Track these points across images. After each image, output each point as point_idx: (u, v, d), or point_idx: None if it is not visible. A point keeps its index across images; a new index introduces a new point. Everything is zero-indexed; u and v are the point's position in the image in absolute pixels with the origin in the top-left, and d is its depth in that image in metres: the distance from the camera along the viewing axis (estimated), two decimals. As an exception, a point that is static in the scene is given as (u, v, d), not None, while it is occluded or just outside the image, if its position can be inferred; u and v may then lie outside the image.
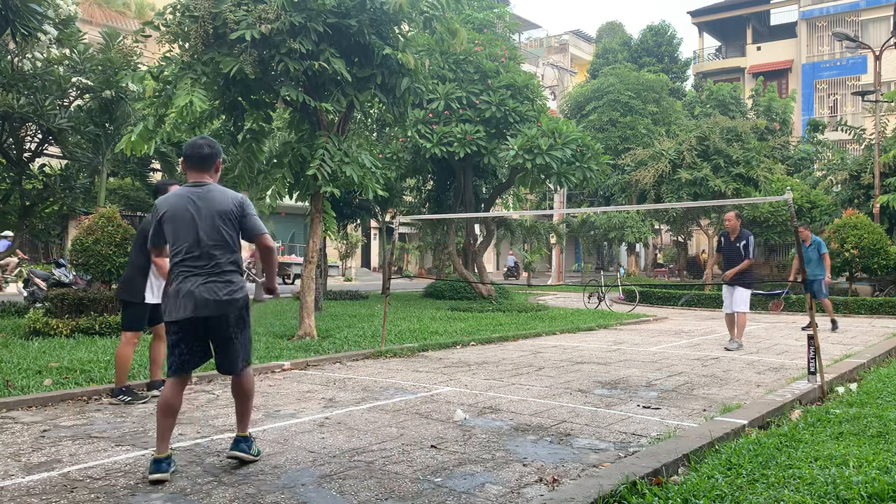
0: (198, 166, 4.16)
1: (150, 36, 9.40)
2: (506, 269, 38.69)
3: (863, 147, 22.40)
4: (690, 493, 3.54)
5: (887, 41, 21.04)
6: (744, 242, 9.62)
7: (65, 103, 12.75)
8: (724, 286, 9.93)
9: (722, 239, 9.96)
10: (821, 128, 27.78)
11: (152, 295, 5.98)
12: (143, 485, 3.81)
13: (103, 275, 10.10)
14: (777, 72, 40.24)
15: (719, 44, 45.61)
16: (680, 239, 32.93)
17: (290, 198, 11.39)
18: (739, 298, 9.67)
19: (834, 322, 12.20)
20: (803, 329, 10.82)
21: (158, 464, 3.84)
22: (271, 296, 5.62)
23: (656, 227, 33.66)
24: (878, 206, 19.03)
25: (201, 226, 4.02)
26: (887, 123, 21.88)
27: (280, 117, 13.23)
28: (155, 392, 6.07)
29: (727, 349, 9.63)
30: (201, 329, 4.05)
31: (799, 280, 7.13)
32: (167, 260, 5.36)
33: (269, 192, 12.17)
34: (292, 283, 25.30)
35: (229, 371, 4.17)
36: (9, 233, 16.59)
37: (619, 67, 35.36)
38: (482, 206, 19.84)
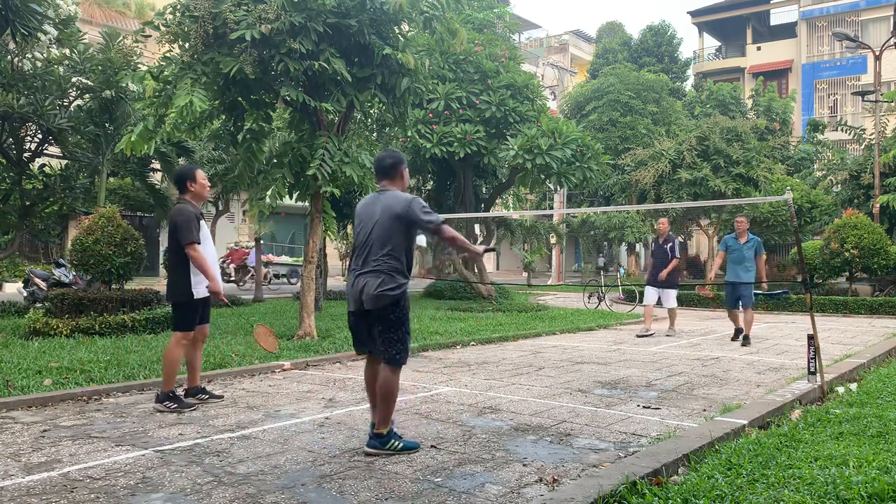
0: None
1: (150, 36, 9.40)
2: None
3: (863, 147, 22.39)
4: (690, 493, 3.54)
5: (887, 41, 21.03)
6: (670, 245, 11.24)
7: (65, 103, 12.75)
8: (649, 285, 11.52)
9: (652, 242, 11.23)
10: (821, 128, 27.75)
11: (202, 288, 5.72)
12: (143, 485, 3.81)
13: (103, 275, 10.10)
14: (777, 72, 40.22)
15: (719, 44, 45.59)
16: (680, 239, 32.93)
17: (290, 198, 11.39)
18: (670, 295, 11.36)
19: (739, 331, 10.61)
20: (733, 340, 10.53)
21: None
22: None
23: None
24: (878, 206, 19.03)
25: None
26: (887, 123, 21.87)
27: (280, 117, 13.22)
28: (192, 400, 5.77)
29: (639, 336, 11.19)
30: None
31: (798, 280, 7.17)
32: (200, 252, 5.56)
33: (269, 192, 12.17)
34: (269, 284, 25.02)
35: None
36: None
37: (619, 67, 35.33)
38: (482, 206, 19.83)
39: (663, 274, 11.11)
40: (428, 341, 9.72)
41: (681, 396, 6.36)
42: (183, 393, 5.89)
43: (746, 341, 10.19)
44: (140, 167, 16.41)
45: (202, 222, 5.78)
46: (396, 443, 4.41)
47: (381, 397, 4.41)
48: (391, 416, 4.44)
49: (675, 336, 11.32)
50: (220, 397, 6.03)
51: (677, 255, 11.21)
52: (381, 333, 4.43)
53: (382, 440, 4.39)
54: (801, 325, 13.12)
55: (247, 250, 25.19)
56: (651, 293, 11.56)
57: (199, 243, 5.61)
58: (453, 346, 9.84)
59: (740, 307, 10.46)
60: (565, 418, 5.43)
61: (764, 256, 10.51)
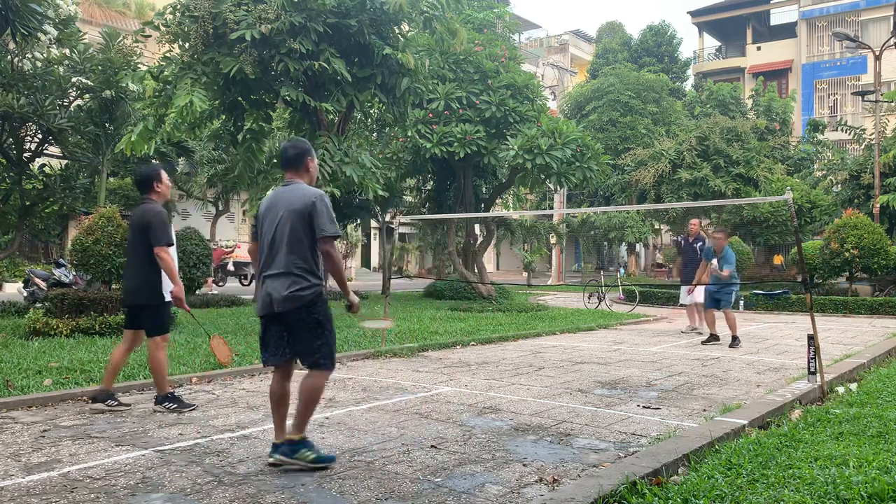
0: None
1: (150, 36, 9.41)
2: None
3: (863, 147, 22.39)
4: (690, 493, 3.54)
5: (887, 41, 21.04)
6: (700, 244, 11.52)
7: (65, 103, 12.76)
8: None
9: (682, 240, 12.04)
10: (821, 128, 27.75)
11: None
12: (143, 485, 3.81)
13: (103, 275, 10.09)
14: (777, 72, 40.22)
15: (719, 44, 45.59)
16: (680, 239, 32.89)
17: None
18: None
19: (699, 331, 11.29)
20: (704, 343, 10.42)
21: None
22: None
23: (656, 227, 33.66)
24: (878, 206, 19.03)
25: None
26: (887, 123, 21.88)
27: (280, 117, 13.24)
28: (168, 404, 5.59)
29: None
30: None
31: (798, 280, 7.17)
32: (171, 255, 5.41)
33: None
34: (249, 285, 24.86)
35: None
36: None
37: (619, 67, 35.33)
38: (482, 206, 19.83)
39: (703, 277, 10.82)
40: (428, 341, 9.72)
41: (681, 396, 6.36)
42: (91, 397, 5.68)
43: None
44: (140, 167, 16.40)
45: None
46: (309, 453, 4.03)
47: (303, 400, 4.09)
48: (307, 424, 4.15)
49: (698, 332, 11.48)
50: (128, 405, 5.71)
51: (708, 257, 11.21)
52: (302, 339, 4.11)
53: (294, 447, 4.02)
54: (801, 325, 13.12)
55: (227, 249, 25.04)
56: (686, 293, 11.76)
57: (172, 245, 5.52)
58: (453, 346, 9.84)
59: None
60: (565, 418, 5.43)
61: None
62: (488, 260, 38.75)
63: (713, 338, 10.36)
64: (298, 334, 4.13)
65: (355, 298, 4.37)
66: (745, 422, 5.03)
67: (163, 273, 5.55)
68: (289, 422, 4.28)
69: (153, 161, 16.20)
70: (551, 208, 34.51)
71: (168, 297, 5.61)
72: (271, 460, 4.13)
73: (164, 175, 5.77)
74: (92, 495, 3.64)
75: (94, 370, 6.83)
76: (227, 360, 7.34)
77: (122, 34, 13.73)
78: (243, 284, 26.23)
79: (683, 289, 11.92)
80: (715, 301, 10.39)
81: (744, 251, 20.06)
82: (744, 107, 31.41)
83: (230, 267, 24.34)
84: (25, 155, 12.82)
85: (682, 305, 12.65)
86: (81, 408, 5.71)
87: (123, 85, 12.25)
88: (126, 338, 5.76)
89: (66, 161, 14.10)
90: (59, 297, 9.81)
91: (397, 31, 9.84)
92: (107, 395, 5.63)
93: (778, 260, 24.98)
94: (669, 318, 14.86)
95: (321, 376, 4.20)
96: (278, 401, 4.24)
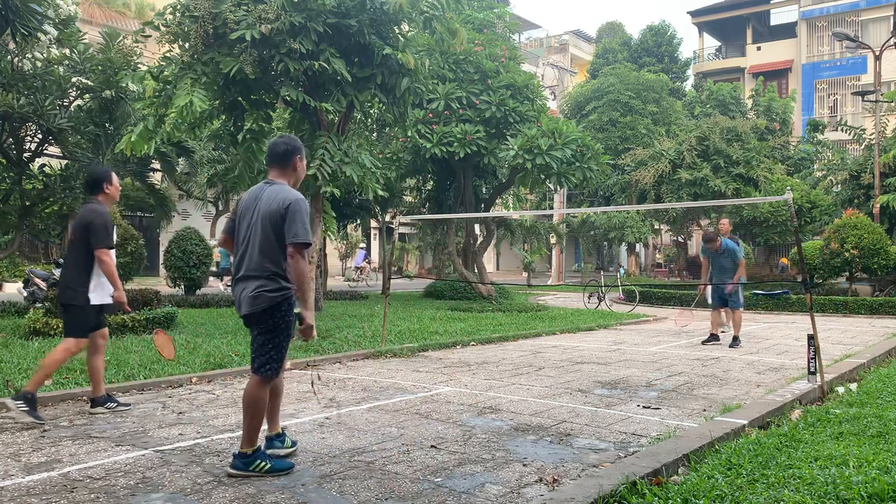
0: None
1: (150, 36, 9.41)
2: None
3: (863, 147, 22.41)
4: (690, 493, 3.54)
5: (887, 41, 21.04)
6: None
7: (65, 103, 12.75)
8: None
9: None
10: (821, 128, 27.77)
11: (97, 295, 5.42)
12: (143, 485, 3.81)
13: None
14: (777, 72, 40.23)
15: (719, 44, 45.60)
16: (680, 239, 32.93)
17: (291, 198, 11.39)
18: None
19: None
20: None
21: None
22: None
23: (656, 227, 33.68)
24: (878, 206, 19.04)
25: None
26: (887, 123, 21.88)
27: (280, 117, 13.24)
28: (101, 409, 5.50)
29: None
30: None
31: (798, 280, 7.17)
32: (112, 258, 5.26)
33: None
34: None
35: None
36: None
37: (619, 67, 35.34)
38: (482, 206, 19.83)
39: (738, 277, 10.49)
40: (428, 341, 9.72)
41: (681, 396, 6.36)
42: (89, 404, 5.60)
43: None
44: (140, 167, 16.42)
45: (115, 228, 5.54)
46: (263, 463, 3.93)
47: (246, 412, 3.97)
48: (258, 434, 4.00)
49: (728, 331, 11.04)
50: (128, 405, 5.68)
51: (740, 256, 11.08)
52: (256, 340, 4.00)
53: (246, 460, 3.92)
54: (801, 325, 13.12)
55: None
56: (713, 295, 11.07)
57: (113, 248, 5.38)
58: (453, 346, 9.84)
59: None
60: (565, 418, 5.43)
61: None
62: (488, 260, 38.74)
63: (713, 337, 10.36)
64: (256, 336, 4.03)
65: (310, 318, 4.12)
66: (745, 422, 5.03)
67: (93, 276, 5.36)
68: (286, 423, 4.26)
69: (153, 161, 16.20)
70: (551, 208, 34.52)
71: (94, 301, 5.39)
72: (268, 452, 4.15)
73: (115, 178, 5.64)
74: (92, 495, 3.64)
75: (94, 370, 6.84)
76: (171, 355, 7.04)
77: (122, 34, 13.73)
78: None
79: (710, 291, 11.68)
80: (722, 300, 10.38)
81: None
82: (744, 107, 31.42)
83: None
84: (25, 155, 12.82)
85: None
86: (81, 408, 5.71)
87: (123, 85, 12.24)
88: (90, 343, 5.55)
89: (66, 161, 14.10)
90: (59, 297, 9.81)
91: (397, 31, 9.84)
92: (104, 399, 5.60)
93: (784, 261, 25.01)
94: (670, 318, 14.86)
95: (263, 384, 4.02)
96: (269, 394, 4.22)
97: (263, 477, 3.91)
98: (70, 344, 5.36)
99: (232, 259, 4.31)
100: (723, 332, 10.98)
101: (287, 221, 3.89)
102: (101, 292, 5.45)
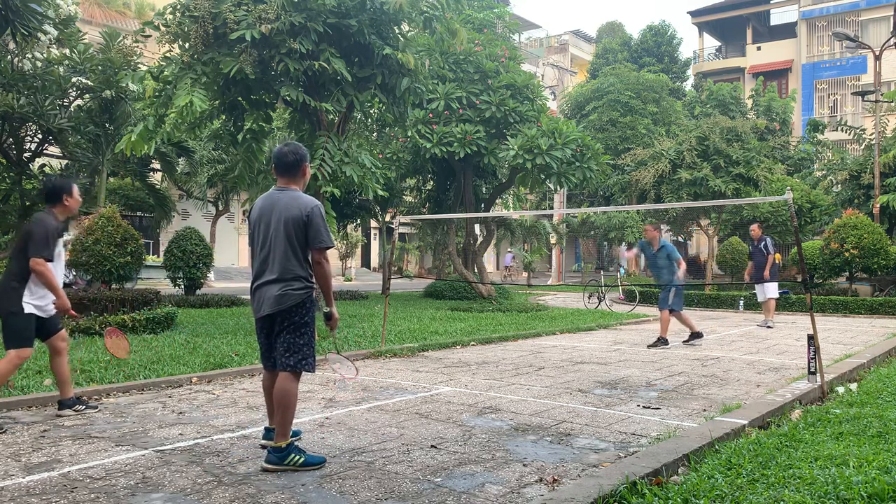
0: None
1: (150, 36, 9.41)
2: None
3: (863, 147, 22.40)
4: (690, 493, 3.54)
5: (887, 41, 21.04)
6: (763, 243, 12.83)
7: (65, 103, 12.76)
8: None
9: (749, 245, 13.62)
10: (821, 128, 27.73)
11: (35, 303, 5.25)
12: (143, 485, 3.81)
13: (103, 275, 10.10)
14: (777, 72, 40.21)
15: (719, 44, 45.58)
16: (680, 239, 32.91)
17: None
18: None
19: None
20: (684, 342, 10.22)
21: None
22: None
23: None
24: (878, 206, 19.03)
25: None
26: (887, 123, 21.88)
27: (280, 117, 13.24)
28: (69, 411, 5.43)
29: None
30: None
31: (798, 280, 7.19)
32: (49, 268, 5.13)
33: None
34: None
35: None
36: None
37: (619, 67, 35.33)
38: (482, 206, 19.84)
39: (766, 273, 12.59)
40: (428, 341, 9.72)
41: (681, 396, 6.36)
42: (57, 406, 5.51)
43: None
44: (140, 167, 16.44)
45: (59, 240, 5.39)
46: (297, 457, 4.05)
47: (279, 407, 4.10)
48: (290, 428, 4.13)
49: (773, 327, 12.70)
50: (95, 408, 5.62)
51: (771, 250, 12.77)
52: (284, 338, 4.10)
53: (280, 454, 4.04)
54: (801, 325, 13.13)
55: None
56: (761, 290, 13.07)
57: (50, 260, 5.17)
58: (453, 346, 9.84)
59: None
60: (565, 418, 5.43)
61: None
62: (488, 260, 38.75)
63: (695, 335, 10.19)
64: (282, 335, 4.13)
65: (336, 312, 4.35)
66: (745, 422, 5.03)
67: (30, 284, 5.19)
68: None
69: (153, 161, 16.21)
70: (551, 208, 34.53)
71: (28, 309, 5.19)
72: (264, 442, 4.22)
73: (76, 190, 5.48)
74: (92, 495, 3.64)
75: (94, 370, 6.85)
76: (126, 354, 6.91)
77: (122, 34, 13.74)
78: None
79: (758, 287, 13.13)
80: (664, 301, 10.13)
81: (744, 251, 20.03)
82: (744, 107, 31.38)
83: None
84: (25, 155, 12.83)
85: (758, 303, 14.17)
86: (81, 408, 5.71)
87: (123, 85, 12.25)
88: (49, 347, 5.46)
89: (66, 161, 14.11)
90: (59, 297, 9.80)
91: (397, 31, 9.85)
92: (72, 401, 5.50)
93: (777, 258, 24.95)
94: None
95: (295, 378, 4.15)
96: (269, 390, 4.32)
97: (297, 471, 4.01)
98: (12, 356, 5.16)
99: (251, 264, 4.42)
100: (769, 327, 12.53)
101: (311, 228, 4.09)
102: (40, 300, 5.27)
